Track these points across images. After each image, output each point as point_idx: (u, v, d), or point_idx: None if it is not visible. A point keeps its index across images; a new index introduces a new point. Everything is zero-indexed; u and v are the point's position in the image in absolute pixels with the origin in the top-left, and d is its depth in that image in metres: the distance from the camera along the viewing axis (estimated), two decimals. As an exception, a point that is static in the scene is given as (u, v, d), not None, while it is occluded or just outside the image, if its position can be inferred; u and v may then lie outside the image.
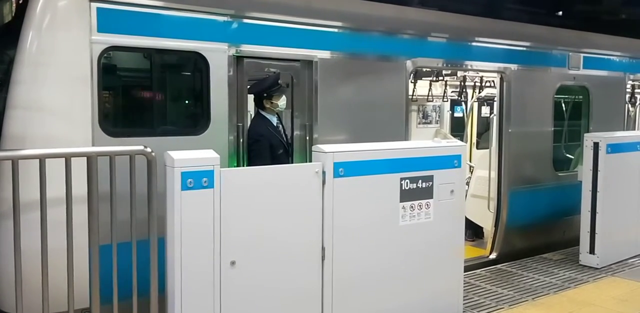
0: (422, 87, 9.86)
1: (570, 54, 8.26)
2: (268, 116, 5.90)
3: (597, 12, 11.05)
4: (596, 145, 7.01)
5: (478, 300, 5.94)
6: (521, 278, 6.67)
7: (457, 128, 11.10)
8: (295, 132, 5.81)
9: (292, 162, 5.74)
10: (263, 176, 4.26)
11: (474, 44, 7.19)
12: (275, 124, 5.93)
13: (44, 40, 4.44)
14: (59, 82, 4.48)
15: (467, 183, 8.53)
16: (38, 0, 4.43)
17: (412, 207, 4.96)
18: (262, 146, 5.65)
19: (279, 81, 5.75)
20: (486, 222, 8.06)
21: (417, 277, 5.06)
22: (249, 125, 5.64)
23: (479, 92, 10.03)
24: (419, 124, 10.76)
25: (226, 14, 5.20)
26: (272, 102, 5.84)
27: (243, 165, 5.34)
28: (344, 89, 6.01)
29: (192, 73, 5.38)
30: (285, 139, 5.93)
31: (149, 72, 5.02)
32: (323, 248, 4.49)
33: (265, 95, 5.83)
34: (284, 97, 5.87)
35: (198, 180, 3.83)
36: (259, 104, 5.92)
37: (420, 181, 4.99)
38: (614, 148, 7.10)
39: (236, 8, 5.28)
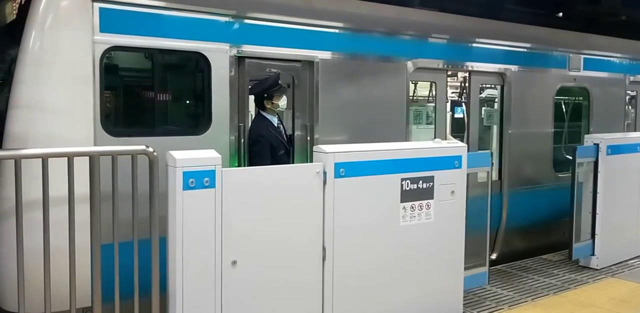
0: (422, 88, 9.85)
1: (570, 55, 8.28)
2: (269, 117, 5.90)
3: (597, 13, 11.05)
4: (596, 147, 7.02)
5: (478, 300, 5.95)
6: (521, 279, 6.68)
7: (458, 129, 11.09)
8: (296, 133, 5.81)
9: (293, 163, 5.75)
10: (264, 176, 4.27)
11: (474, 45, 7.20)
12: (276, 125, 5.92)
13: (47, 40, 4.45)
14: (62, 82, 4.49)
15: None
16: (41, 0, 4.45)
17: (412, 207, 4.97)
18: (263, 147, 5.64)
19: (279, 81, 5.76)
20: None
21: (417, 277, 5.07)
22: (249, 125, 5.65)
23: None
24: (420, 124, 10.75)
25: (228, 14, 5.21)
26: (272, 103, 5.85)
27: (244, 166, 5.34)
28: (345, 90, 6.01)
29: (194, 73, 5.39)
30: (286, 139, 5.93)
31: (151, 72, 5.03)
32: (324, 249, 4.49)
33: (265, 95, 5.84)
34: (284, 97, 5.87)
35: (200, 180, 3.84)
36: (259, 104, 5.92)
37: (421, 182, 5.00)
38: (614, 149, 7.11)
39: (238, 8, 5.29)
